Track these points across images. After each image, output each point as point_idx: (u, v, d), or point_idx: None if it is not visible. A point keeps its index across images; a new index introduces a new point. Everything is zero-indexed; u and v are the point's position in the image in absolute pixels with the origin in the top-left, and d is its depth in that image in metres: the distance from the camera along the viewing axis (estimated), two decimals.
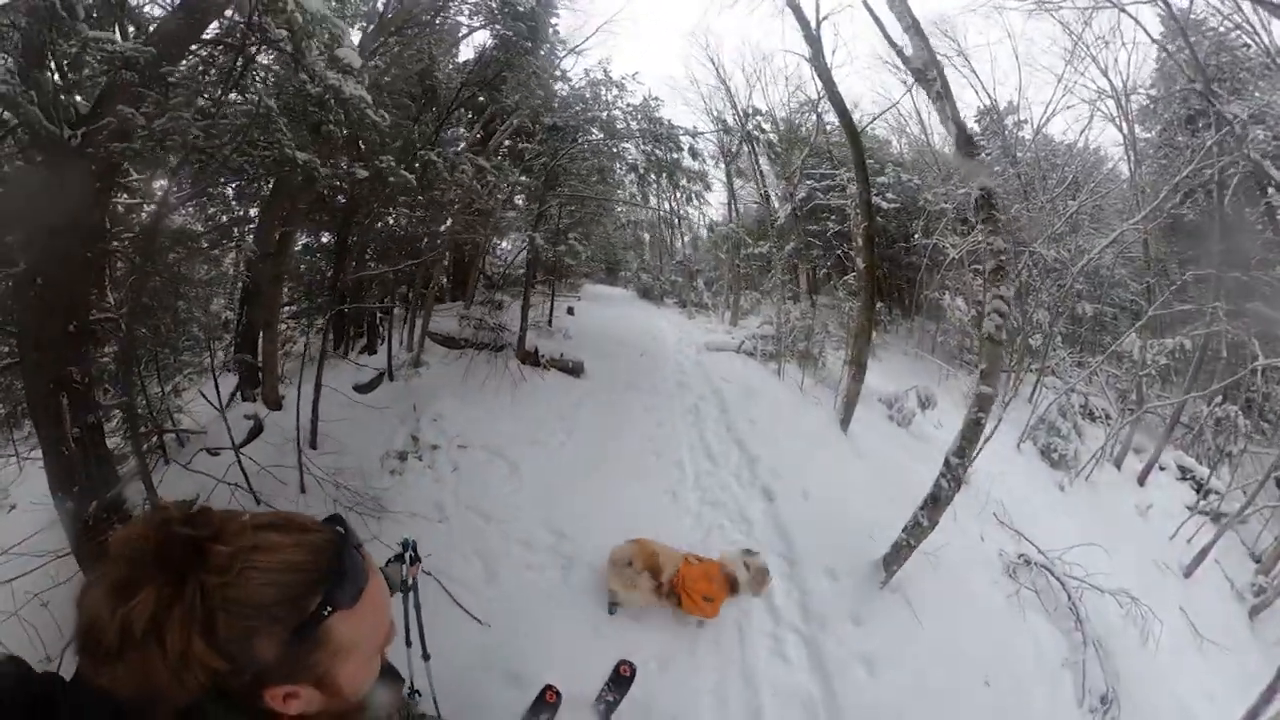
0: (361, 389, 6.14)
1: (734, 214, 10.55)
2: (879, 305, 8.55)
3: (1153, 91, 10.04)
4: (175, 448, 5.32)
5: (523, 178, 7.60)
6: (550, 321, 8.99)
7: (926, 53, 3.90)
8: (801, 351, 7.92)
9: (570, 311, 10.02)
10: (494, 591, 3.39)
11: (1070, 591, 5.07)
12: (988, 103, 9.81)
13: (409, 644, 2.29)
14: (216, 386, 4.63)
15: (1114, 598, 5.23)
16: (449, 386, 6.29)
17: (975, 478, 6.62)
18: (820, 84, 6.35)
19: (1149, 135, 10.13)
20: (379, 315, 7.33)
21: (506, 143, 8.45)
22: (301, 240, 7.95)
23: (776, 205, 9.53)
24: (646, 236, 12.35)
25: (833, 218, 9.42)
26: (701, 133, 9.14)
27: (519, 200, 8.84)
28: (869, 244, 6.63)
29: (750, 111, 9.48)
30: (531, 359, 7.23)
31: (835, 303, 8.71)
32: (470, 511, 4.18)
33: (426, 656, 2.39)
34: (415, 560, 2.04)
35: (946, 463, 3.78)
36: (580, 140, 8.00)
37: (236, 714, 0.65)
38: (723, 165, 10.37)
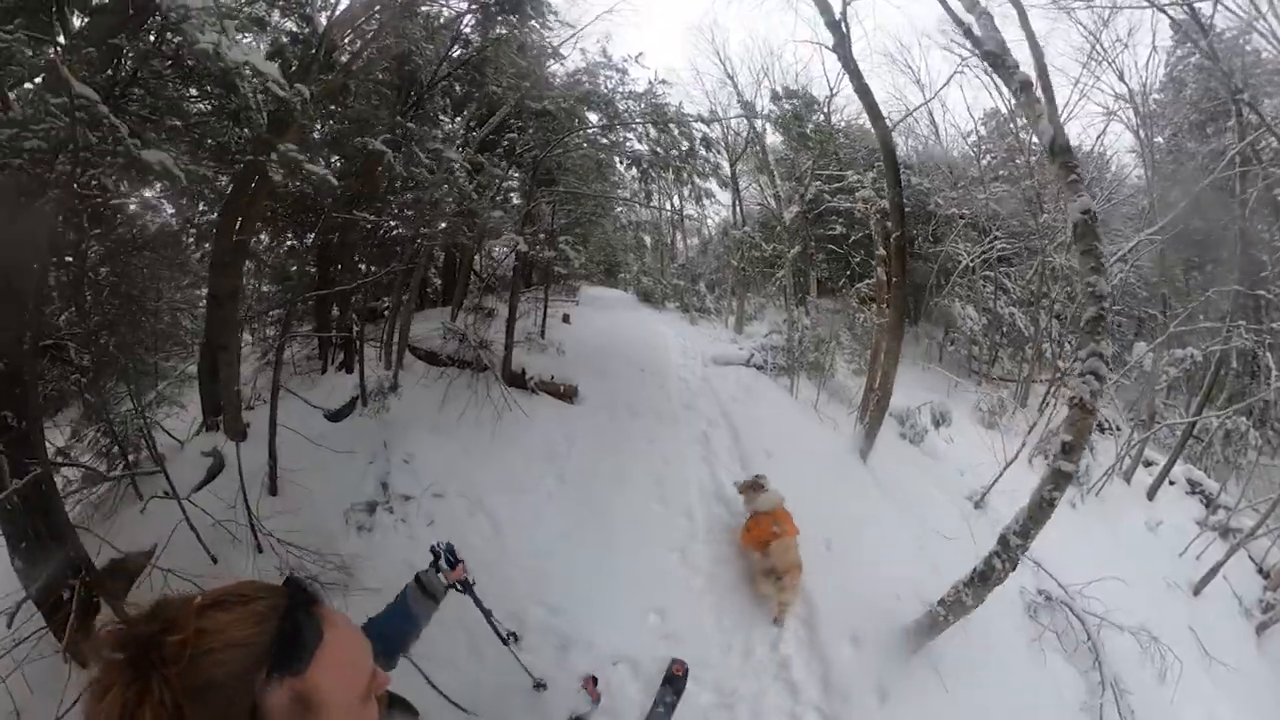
0: (333, 417, 5.41)
1: (739, 216, 9.80)
2: (870, 312, 7.96)
3: (1159, 95, 9.40)
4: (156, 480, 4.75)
5: (513, 173, 6.80)
6: (543, 333, 8.06)
7: (1001, 34, 3.26)
8: (812, 363, 7.32)
9: (566, 319, 9.10)
10: (480, 669, 2.90)
11: (1090, 630, 4.72)
12: (999, 108, 9.10)
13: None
14: (140, 410, 4.01)
15: (1133, 636, 4.85)
16: (425, 417, 5.54)
17: (992, 499, 6.15)
18: (845, 74, 5.65)
19: (1158, 140, 9.49)
20: (353, 329, 6.49)
21: (504, 142, 7.61)
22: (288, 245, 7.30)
23: (783, 208, 8.86)
24: (648, 239, 11.61)
25: (840, 221, 8.81)
26: (719, 119, 8.25)
27: (515, 200, 8.11)
28: (900, 255, 5.67)
29: (782, 93, 8.53)
30: (519, 381, 6.38)
31: (844, 309, 8.11)
32: None
33: (513, 637, 2.62)
34: (454, 563, 1.97)
35: (1004, 542, 3.27)
36: (575, 128, 7.11)
37: None
38: (728, 166, 9.69)
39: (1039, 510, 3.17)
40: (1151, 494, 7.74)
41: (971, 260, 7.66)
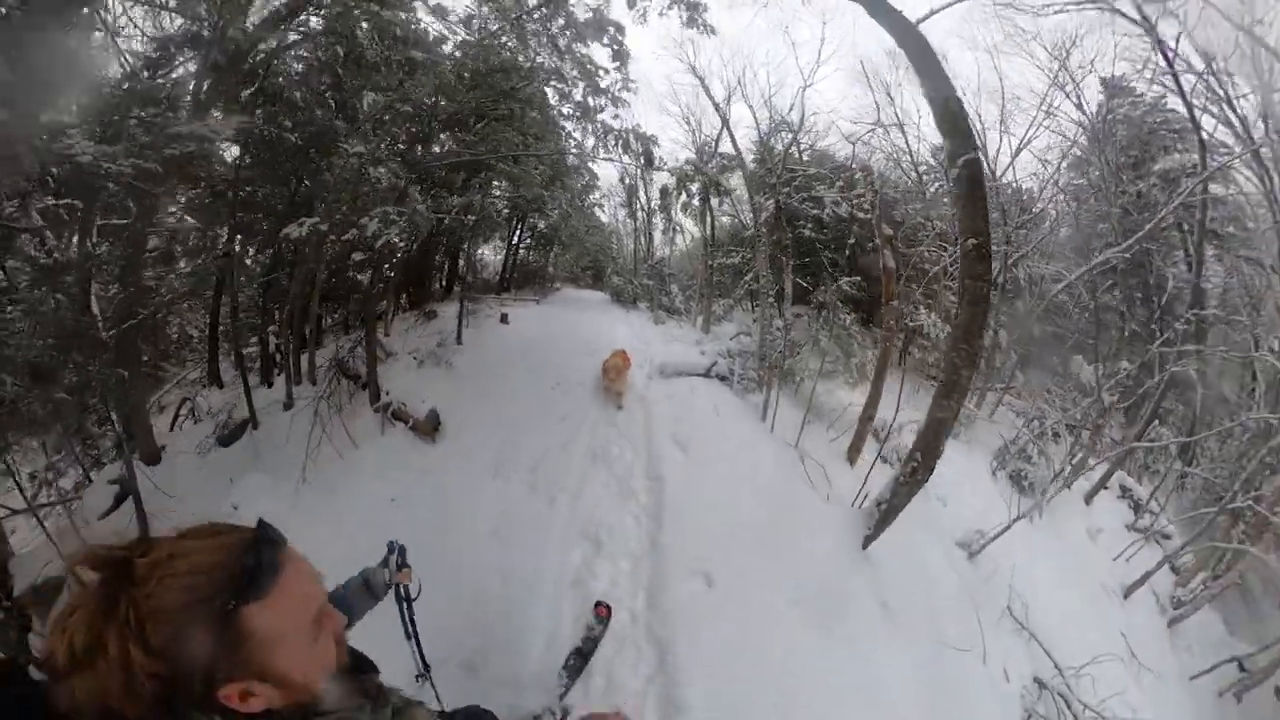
0: (224, 440, 4.46)
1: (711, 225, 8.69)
2: (850, 318, 7.12)
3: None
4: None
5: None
6: (460, 338, 6.52)
7: None
8: (786, 370, 6.22)
9: (504, 320, 7.60)
10: None
11: None
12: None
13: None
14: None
15: None
16: (288, 447, 4.32)
17: (992, 553, 5.27)
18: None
19: (1082, 181, 9.24)
20: (271, 339, 5.40)
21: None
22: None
23: (754, 213, 7.85)
24: (629, 240, 10.62)
25: (809, 226, 7.93)
26: None
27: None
28: (975, 200, 3.22)
29: None
30: (385, 407, 5.03)
31: (816, 313, 7.17)
32: None
33: (423, 671, 2.03)
34: (403, 566, 1.69)
35: None
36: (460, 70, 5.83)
37: (205, 717, 0.62)
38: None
39: None
40: (1089, 499, 7.51)
41: (943, 266, 6.99)
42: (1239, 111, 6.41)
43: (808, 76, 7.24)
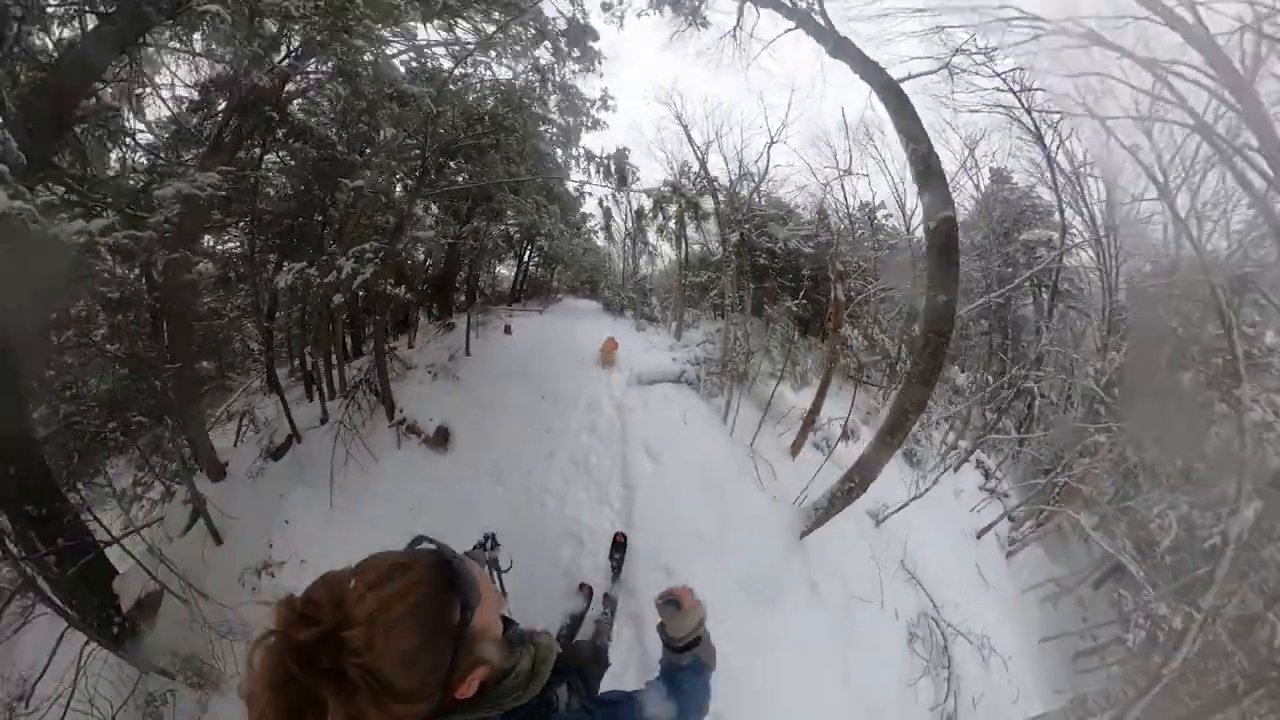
0: (274, 454, 4.89)
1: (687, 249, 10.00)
2: (796, 331, 8.77)
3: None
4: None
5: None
6: (468, 349, 6.85)
7: None
8: (742, 373, 7.62)
9: (508, 331, 8.06)
10: None
11: (948, 640, 5.15)
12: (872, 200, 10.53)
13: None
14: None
15: (976, 647, 5.34)
16: (321, 462, 4.51)
17: (893, 518, 6.85)
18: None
19: (968, 241, 11.54)
20: (306, 355, 5.76)
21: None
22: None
23: (720, 244, 9.19)
24: (619, 261, 11.54)
25: (764, 256, 9.43)
26: None
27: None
28: (948, 259, 3.60)
29: None
30: (400, 423, 5.36)
31: (771, 324, 8.72)
32: None
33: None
34: (495, 546, 2.28)
35: None
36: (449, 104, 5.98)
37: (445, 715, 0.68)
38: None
39: None
40: (956, 469, 9.78)
41: (873, 289, 8.85)
42: (1089, 207, 9.05)
43: (775, 134, 8.51)
